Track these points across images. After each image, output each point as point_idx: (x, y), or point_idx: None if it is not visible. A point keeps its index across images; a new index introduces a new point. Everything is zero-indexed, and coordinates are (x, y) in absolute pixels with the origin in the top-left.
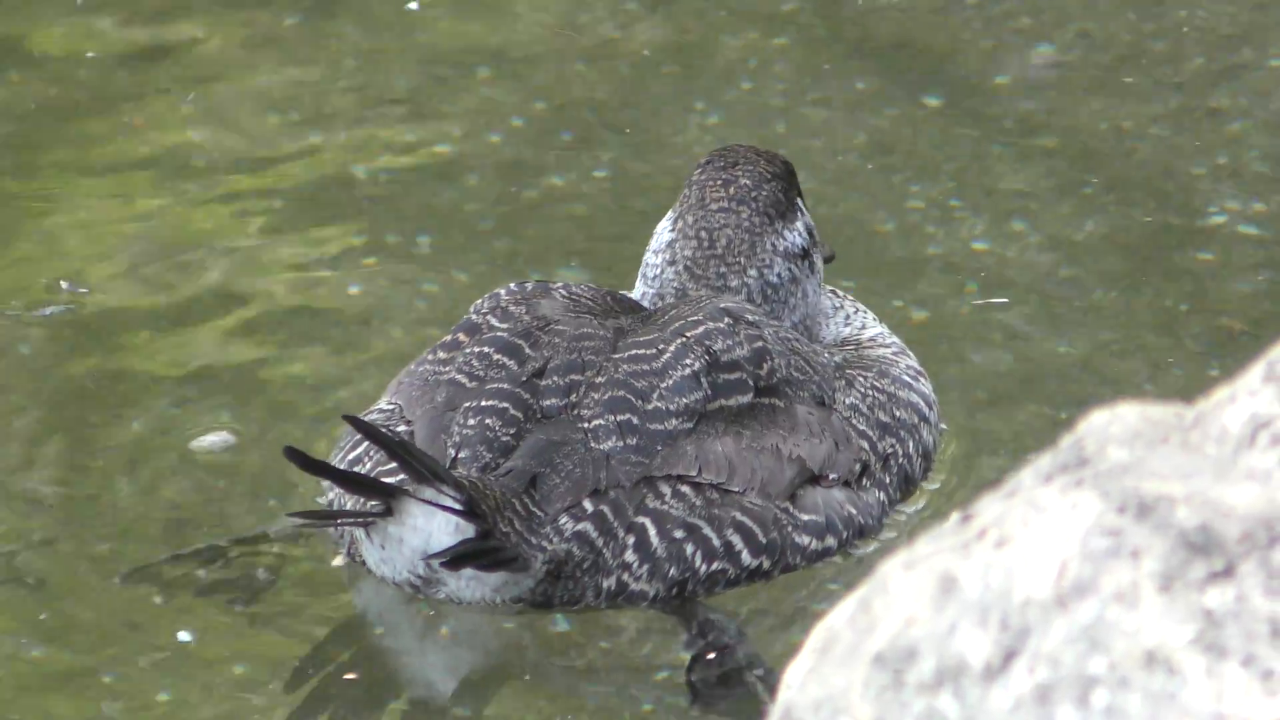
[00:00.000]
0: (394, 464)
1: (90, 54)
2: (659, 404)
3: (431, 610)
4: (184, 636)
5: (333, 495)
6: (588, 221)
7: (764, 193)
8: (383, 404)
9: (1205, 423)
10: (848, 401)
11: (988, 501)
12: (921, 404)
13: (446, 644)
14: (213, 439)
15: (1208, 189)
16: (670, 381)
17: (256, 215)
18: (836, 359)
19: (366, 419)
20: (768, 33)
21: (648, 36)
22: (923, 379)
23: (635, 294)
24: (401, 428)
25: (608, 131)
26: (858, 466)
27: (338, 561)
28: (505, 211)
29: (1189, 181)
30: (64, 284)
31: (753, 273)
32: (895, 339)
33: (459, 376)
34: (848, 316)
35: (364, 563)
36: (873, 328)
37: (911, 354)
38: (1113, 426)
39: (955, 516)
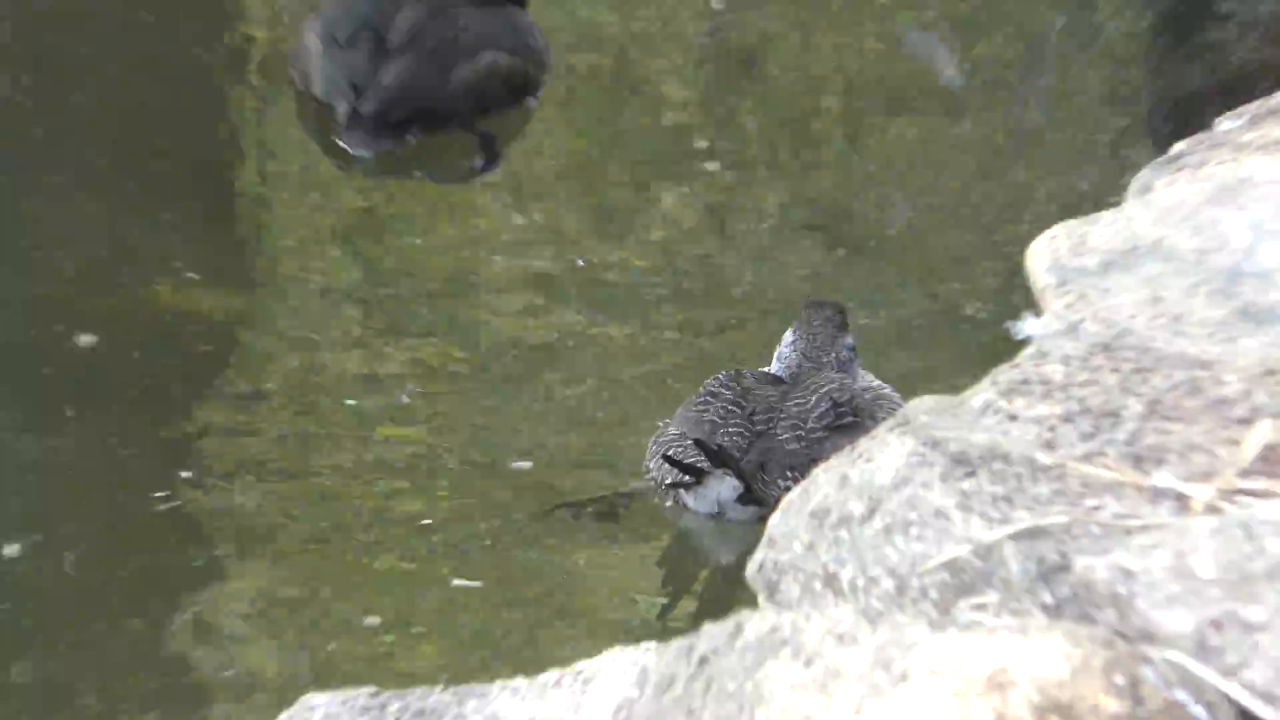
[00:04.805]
0: (704, 455)
1: None
2: (812, 425)
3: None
4: (580, 557)
5: (657, 470)
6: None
7: (835, 317)
8: (673, 430)
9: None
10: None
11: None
12: None
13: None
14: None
15: None
16: (815, 414)
17: None
18: (871, 395)
19: (683, 435)
20: None
21: None
22: None
23: (774, 369)
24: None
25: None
26: None
27: (669, 504)
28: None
29: None
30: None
31: (832, 355)
32: (886, 387)
33: (713, 417)
34: (863, 376)
35: (685, 505)
36: (877, 381)
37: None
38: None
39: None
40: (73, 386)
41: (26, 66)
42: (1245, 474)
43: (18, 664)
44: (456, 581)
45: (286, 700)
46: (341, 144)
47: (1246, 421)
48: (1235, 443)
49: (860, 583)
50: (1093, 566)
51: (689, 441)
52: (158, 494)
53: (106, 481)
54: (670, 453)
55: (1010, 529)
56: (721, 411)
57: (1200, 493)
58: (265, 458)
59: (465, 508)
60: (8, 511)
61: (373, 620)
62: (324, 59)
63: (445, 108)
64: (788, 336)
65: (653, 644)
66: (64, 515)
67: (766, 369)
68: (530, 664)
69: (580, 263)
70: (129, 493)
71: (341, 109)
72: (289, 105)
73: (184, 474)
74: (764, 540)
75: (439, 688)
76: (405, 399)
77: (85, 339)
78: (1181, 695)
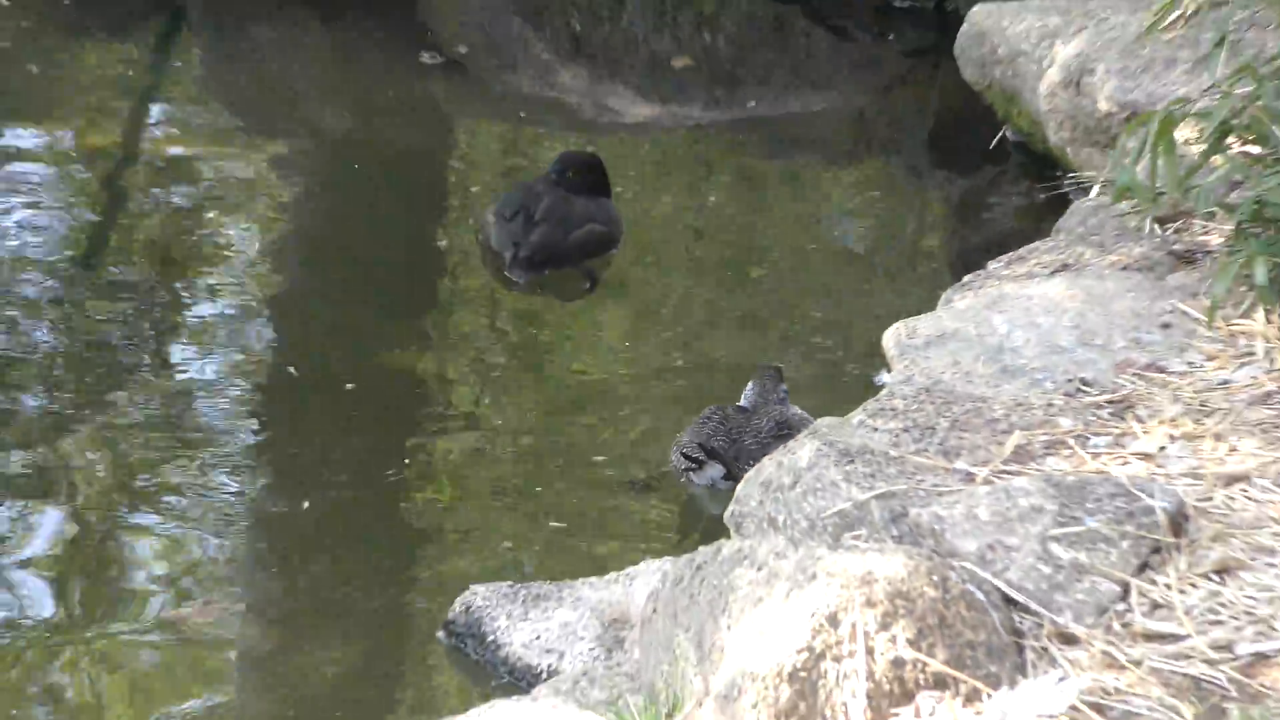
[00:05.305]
0: (702, 452)
1: None
2: (764, 435)
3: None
4: (636, 505)
5: (676, 461)
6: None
7: (775, 374)
8: (685, 438)
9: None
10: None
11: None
12: None
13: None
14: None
15: None
16: (766, 429)
17: None
18: (797, 418)
19: (691, 440)
20: None
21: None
22: None
23: (742, 403)
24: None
25: None
26: None
27: (682, 480)
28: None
29: None
30: None
31: (774, 396)
32: (805, 413)
33: (708, 430)
34: (792, 408)
35: (692, 481)
36: (800, 410)
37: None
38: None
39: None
40: (341, 413)
41: (325, 217)
42: (1006, 462)
43: (307, 573)
44: (553, 523)
45: (459, 590)
46: (507, 275)
47: (1007, 432)
48: (1000, 444)
49: (789, 523)
50: (920, 514)
51: (695, 444)
52: (389, 471)
53: (358, 465)
54: (684, 450)
55: (874, 493)
56: (713, 427)
57: (981, 473)
58: (449, 453)
59: (564, 482)
60: (302, 483)
61: (506, 544)
62: (497, 226)
63: (566, 256)
64: (749, 385)
65: (670, 558)
66: (334, 484)
67: (738, 404)
68: (598, 569)
69: (625, 344)
70: (371, 471)
71: (508, 255)
72: (476, 254)
73: (405, 460)
74: (734, 499)
75: (545, 581)
76: (529, 418)
77: (349, 385)
78: (970, 586)
